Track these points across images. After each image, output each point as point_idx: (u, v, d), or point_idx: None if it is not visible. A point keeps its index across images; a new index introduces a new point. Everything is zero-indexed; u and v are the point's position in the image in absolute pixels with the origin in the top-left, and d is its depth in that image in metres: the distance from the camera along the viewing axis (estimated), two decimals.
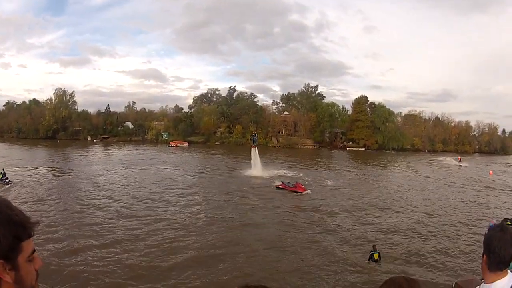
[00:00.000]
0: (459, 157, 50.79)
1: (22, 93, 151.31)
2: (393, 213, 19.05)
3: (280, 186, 25.15)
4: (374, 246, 11.87)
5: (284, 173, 33.12)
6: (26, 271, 1.00)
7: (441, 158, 53.75)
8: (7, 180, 28.52)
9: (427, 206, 20.99)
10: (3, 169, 30.09)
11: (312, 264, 11.75)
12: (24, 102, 78.23)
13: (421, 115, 77.33)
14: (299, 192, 23.34)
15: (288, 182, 25.41)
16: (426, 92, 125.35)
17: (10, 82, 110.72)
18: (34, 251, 1.04)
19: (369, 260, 11.56)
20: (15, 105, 77.73)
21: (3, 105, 78.39)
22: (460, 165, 45.80)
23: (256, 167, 33.49)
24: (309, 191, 23.68)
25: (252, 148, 35.64)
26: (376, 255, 11.46)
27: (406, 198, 23.47)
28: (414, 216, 18.42)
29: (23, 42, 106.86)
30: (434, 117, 78.96)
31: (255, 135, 40.10)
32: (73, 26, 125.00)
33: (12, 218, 0.98)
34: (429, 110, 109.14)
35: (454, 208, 20.85)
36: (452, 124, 78.65)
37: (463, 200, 23.54)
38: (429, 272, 11.44)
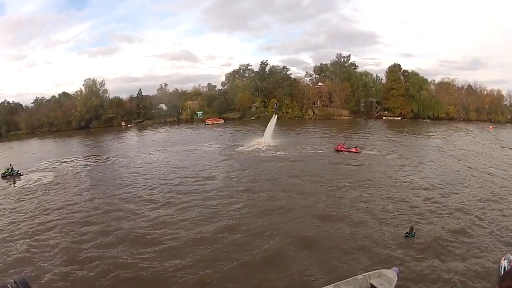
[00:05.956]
0: (490, 127, 51.78)
1: (51, 88, 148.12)
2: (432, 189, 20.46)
3: (339, 149, 29.87)
4: (411, 227, 13.56)
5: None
6: None
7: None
8: (19, 173, 28.81)
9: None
10: (10, 164, 30.18)
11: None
12: (53, 96, 78.18)
13: (454, 83, 75.87)
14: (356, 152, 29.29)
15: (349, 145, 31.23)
16: (456, 60, 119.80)
17: (38, 80, 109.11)
18: None
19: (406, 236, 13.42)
20: (44, 101, 77.60)
21: (31, 102, 78.39)
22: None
23: (267, 134, 38.19)
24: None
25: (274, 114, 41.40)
26: (411, 237, 13.26)
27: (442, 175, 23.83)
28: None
29: (48, 40, 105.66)
30: (466, 85, 77.39)
31: (276, 104, 49.04)
32: (97, 18, 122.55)
33: None
34: (462, 78, 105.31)
35: None
36: (485, 93, 76.97)
37: None
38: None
